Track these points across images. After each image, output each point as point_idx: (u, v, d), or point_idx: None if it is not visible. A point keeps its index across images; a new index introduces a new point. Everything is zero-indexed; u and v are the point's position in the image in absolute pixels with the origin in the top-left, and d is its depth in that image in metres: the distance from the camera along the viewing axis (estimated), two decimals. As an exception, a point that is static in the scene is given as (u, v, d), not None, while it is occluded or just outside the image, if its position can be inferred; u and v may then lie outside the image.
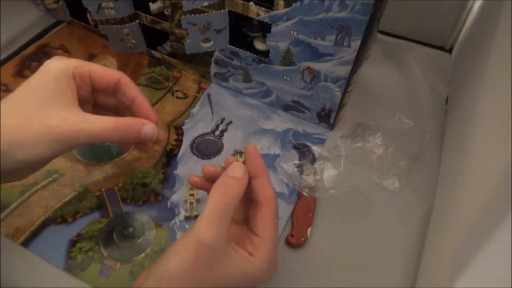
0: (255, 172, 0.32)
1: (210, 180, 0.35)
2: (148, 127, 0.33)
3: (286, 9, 0.39)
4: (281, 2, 0.39)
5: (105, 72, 0.34)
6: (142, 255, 0.39)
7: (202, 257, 0.28)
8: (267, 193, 0.32)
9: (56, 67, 0.32)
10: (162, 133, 0.35)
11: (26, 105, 0.30)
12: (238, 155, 0.33)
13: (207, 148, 0.48)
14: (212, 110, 0.52)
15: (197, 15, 0.44)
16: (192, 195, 0.43)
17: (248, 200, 0.35)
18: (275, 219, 0.32)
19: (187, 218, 0.42)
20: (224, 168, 0.33)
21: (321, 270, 0.40)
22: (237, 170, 0.31)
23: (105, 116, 0.32)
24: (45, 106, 0.30)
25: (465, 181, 0.36)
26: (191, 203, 0.42)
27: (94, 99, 0.36)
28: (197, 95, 0.53)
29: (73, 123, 0.30)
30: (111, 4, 0.48)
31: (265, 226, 0.31)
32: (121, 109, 0.37)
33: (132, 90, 0.35)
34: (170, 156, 0.47)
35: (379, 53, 0.60)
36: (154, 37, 0.54)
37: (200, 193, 0.43)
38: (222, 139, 0.49)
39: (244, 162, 0.32)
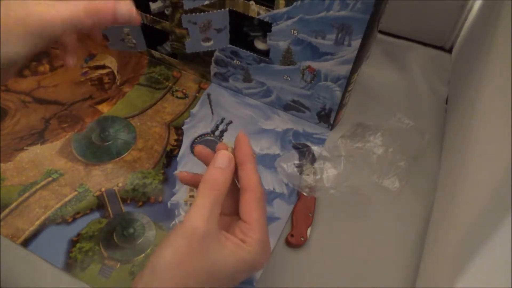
0: (241, 159, 0.33)
1: (200, 175, 0.35)
2: (122, 4, 0.32)
3: (286, 8, 0.39)
4: (282, 1, 0.39)
5: None
6: (142, 255, 0.39)
7: (195, 246, 0.28)
8: (251, 179, 0.32)
9: None
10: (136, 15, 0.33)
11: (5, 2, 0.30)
12: (229, 147, 0.34)
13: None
14: (212, 110, 0.52)
15: (197, 14, 0.44)
16: (192, 196, 0.43)
17: (237, 191, 0.35)
18: (260, 203, 0.32)
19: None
20: (213, 152, 0.33)
21: (321, 270, 0.40)
22: (222, 160, 0.32)
23: (78, 1, 0.31)
24: (22, 3, 0.30)
25: (465, 181, 0.36)
26: (191, 204, 0.42)
27: None
28: (197, 95, 0.53)
29: (44, 12, 0.30)
30: (111, 4, 0.48)
31: (250, 211, 0.32)
32: None
33: None
34: (170, 157, 0.47)
35: (379, 53, 0.60)
36: (154, 37, 0.54)
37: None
38: (222, 139, 0.49)
39: (232, 152, 0.33)
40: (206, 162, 0.35)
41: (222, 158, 0.32)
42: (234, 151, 0.33)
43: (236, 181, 0.35)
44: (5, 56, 0.29)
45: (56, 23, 0.30)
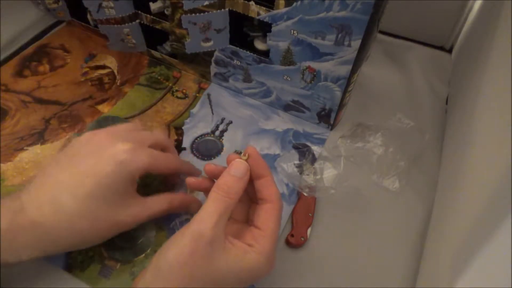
0: (259, 172, 0.33)
1: (208, 180, 0.35)
2: (195, 207, 0.38)
3: (286, 9, 0.39)
4: (282, 2, 0.39)
5: (170, 166, 0.37)
6: (142, 255, 0.39)
7: (200, 250, 0.28)
8: (272, 191, 0.33)
9: (128, 165, 0.33)
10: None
11: (93, 205, 0.32)
12: (242, 154, 0.33)
13: (207, 148, 0.48)
14: (212, 110, 0.52)
15: (197, 14, 0.44)
16: None
17: (250, 200, 0.35)
18: (278, 216, 0.32)
19: (188, 220, 0.42)
20: (225, 167, 0.33)
21: (321, 270, 0.40)
22: (238, 169, 0.32)
23: (160, 197, 0.36)
24: (112, 206, 0.32)
25: (465, 181, 0.36)
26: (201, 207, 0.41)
27: None
28: (197, 95, 0.53)
29: (136, 215, 0.34)
30: (111, 4, 0.48)
31: (267, 220, 0.32)
32: None
33: (191, 174, 0.40)
34: (170, 156, 0.47)
35: (379, 53, 0.60)
36: (154, 37, 0.54)
37: (200, 194, 0.43)
38: (222, 139, 0.49)
39: (246, 161, 0.33)
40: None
41: (239, 167, 0.32)
42: (250, 165, 0.33)
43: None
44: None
45: (143, 220, 0.35)
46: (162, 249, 0.30)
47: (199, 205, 0.36)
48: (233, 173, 0.31)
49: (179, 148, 0.47)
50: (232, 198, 0.30)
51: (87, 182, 0.31)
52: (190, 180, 0.36)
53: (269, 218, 0.32)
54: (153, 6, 0.49)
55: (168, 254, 0.29)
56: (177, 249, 0.29)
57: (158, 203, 0.35)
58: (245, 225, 0.34)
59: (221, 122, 0.51)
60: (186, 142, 0.48)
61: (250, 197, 0.36)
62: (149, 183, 0.43)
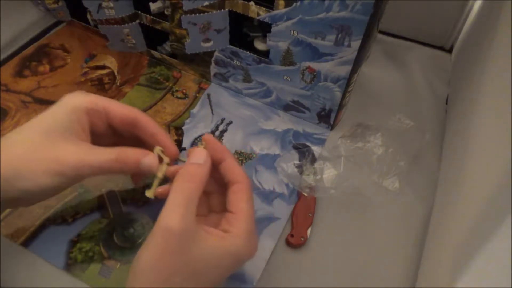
0: (219, 157, 0.33)
1: None
2: (146, 160, 0.33)
3: (286, 9, 0.39)
4: (282, 2, 0.39)
5: (122, 111, 0.34)
6: (142, 255, 0.39)
7: (171, 245, 0.27)
8: (235, 172, 0.32)
9: (71, 101, 0.32)
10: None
11: (33, 135, 0.31)
12: (200, 143, 0.34)
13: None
14: (212, 110, 0.52)
15: (197, 14, 0.44)
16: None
17: (224, 189, 0.34)
18: (248, 195, 0.32)
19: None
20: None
21: (321, 270, 0.40)
22: (197, 156, 0.32)
23: (111, 148, 0.32)
24: (51, 138, 0.31)
25: (465, 181, 0.36)
26: (158, 180, 0.35)
27: (116, 133, 0.36)
28: (197, 95, 0.53)
29: (76, 156, 0.31)
30: (111, 4, 0.48)
31: (238, 201, 0.31)
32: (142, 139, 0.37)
33: (150, 127, 0.35)
34: (170, 156, 0.47)
35: (379, 53, 0.60)
36: (154, 37, 0.54)
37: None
38: (222, 139, 0.49)
39: (206, 149, 0.33)
40: None
41: (197, 154, 0.32)
42: (208, 150, 0.33)
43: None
44: (28, 188, 0.30)
45: (85, 169, 0.31)
46: (138, 252, 0.29)
47: (151, 162, 0.33)
48: (193, 161, 0.31)
49: (179, 148, 0.47)
50: (196, 183, 0.30)
51: (33, 120, 0.32)
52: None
53: (239, 199, 0.31)
54: (153, 7, 0.49)
55: (141, 256, 0.28)
56: (147, 251, 0.28)
57: (106, 152, 0.32)
58: (223, 214, 0.33)
59: (221, 122, 0.51)
60: (186, 142, 0.48)
61: (223, 185, 0.35)
62: None
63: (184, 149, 0.47)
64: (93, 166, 0.31)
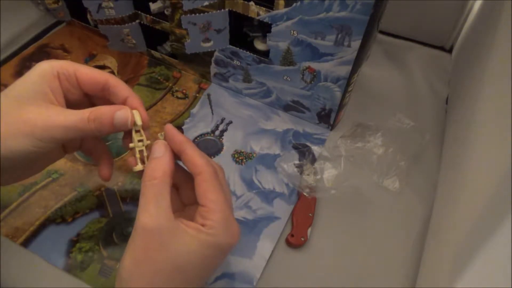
0: (178, 147, 0.32)
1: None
2: (120, 113, 0.32)
3: (286, 9, 0.39)
4: (282, 2, 0.39)
5: (92, 74, 0.33)
6: (142, 255, 0.39)
7: (149, 243, 0.28)
8: (195, 162, 0.31)
9: (41, 67, 0.32)
10: (147, 136, 0.34)
11: (3, 102, 0.30)
12: (159, 134, 0.34)
13: (207, 148, 0.48)
14: (212, 110, 0.52)
15: (197, 14, 0.44)
16: (141, 140, 0.34)
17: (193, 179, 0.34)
18: (212, 183, 0.31)
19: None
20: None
21: (321, 270, 0.40)
22: (156, 149, 0.32)
23: (84, 109, 0.31)
24: (21, 103, 0.30)
25: (465, 181, 0.36)
26: (141, 151, 0.34)
27: (93, 102, 0.36)
28: (197, 95, 0.53)
29: (46, 117, 0.30)
30: (111, 4, 0.48)
31: (204, 194, 0.31)
32: None
33: (122, 90, 0.34)
34: (170, 156, 0.47)
35: (379, 53, 0.60)
36: (154, 37, 0.54)
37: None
38: (222, 139, 0.49)
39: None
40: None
41: (156, 147, 0.32)
42: (168, 142, 0.32)
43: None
44: (3, 153, 0.30)
45: (58, 128, 0.30)
46: (121, 258, 0.29)
47: (125, 115, 0.32)
48: (153, 156, 0.31)
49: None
50: (159, 177, 0.30)
51: (6, 89, 0.31)
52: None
53: (205, 190, 0.31)
54: (153, 6, 0.49)
55: (124, 259, 0.28)
56: (128, 254, 0.28)
57: (78, 112, 0.31)
58: (197, 206, 0.33)
59: (221, 122, 0.51)
60: (186, 142, 0.48)
61: (191, 177, 0.34)
62: None
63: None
64: (65, 126, 0.30)
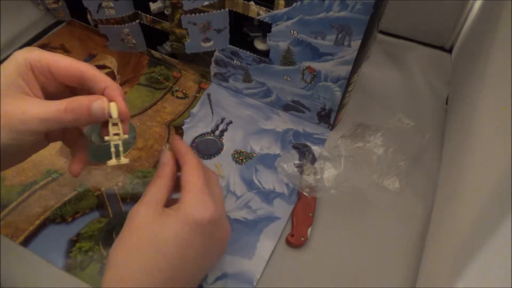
0: (180, 161, 0.35)
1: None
2: (97, 103, 0.31)
3: (286, 9, 0.39)
4: (282, 2, 0.39)
5: (66, 66, 0.33)
6: (142, 255, 0.39)
7: (135, 232, 0.30)
8: (188, 177, 0.33)
9: (14, 58, 0.31)
10: (126, 129, 0.34)
11: None
12: (164, 146, 0.36)
13: (207, 148, 0.48)
14: (212, 110, 0.52)
15: (197, 14, 0.44)
16: (117, 134, 0.33)
17: None
18: (194, 169, 0.33)
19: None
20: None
21: (321, 270, 0.40)
22: (162, 157, 0.35)
23: (62, 100, 0.31)
24: (15, 99, 0.30)
25: (465, 181, 0.36)
26: (116, 146, 0.33)
27: (74, 92, 0.35)
28: (197, 95, 0.53)
29: (21, 109, 0.30)
30: (111, 4, 0.48)
31: (184, 177, 0.33)
32: None
33: (99, 81, 0.33)
34: (170, 156, 0.47)
35: (379, 53, 0.60)
36: (154, 37, 0.54)
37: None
38: (222, 139, 0.49)
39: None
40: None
41: (162, 155, 0.36)
42: (173, 152, 0.35)
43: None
44: None
45: (34, 120, 0.30)
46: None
47: (102, 106, 0.32)
48: (160, 162, 0.35)
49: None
50: (160, 177, 0.33)
51: None
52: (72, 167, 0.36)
53: (185, 173, 0.33)
54: (153, 6, 0.49)
55: (109, 256, 0.30)
56: (116, 245, 0.30)
57: (55, 103, 0.31)
58: None
59: (221, 122, 0.51)
60: (186, 141, 0.48)
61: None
62: None
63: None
64: (42, 118, 0.30)
